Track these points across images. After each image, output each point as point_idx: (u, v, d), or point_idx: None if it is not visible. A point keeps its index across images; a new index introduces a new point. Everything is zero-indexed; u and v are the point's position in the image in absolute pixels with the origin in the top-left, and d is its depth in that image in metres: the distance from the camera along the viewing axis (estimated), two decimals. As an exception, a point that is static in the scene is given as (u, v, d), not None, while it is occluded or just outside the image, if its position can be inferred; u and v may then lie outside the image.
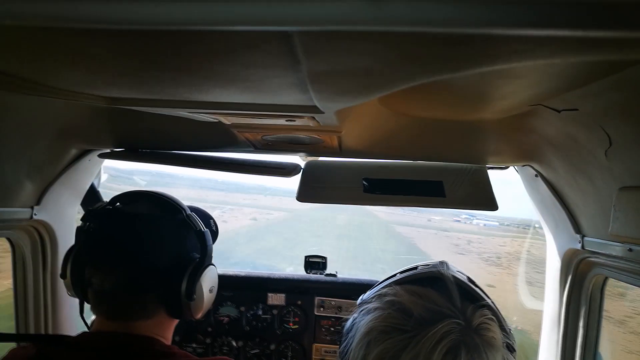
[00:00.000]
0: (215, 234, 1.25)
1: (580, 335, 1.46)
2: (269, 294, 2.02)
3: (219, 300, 2.02)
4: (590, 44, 0.44)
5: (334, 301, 1.99)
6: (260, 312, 2.01)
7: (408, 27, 0.37)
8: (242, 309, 2.01)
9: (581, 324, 1.46)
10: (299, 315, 2.01)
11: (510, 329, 0.73)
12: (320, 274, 2.12)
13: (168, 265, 1.02)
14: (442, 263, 0.79)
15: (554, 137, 1.18)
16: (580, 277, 1.45)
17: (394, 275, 0.81)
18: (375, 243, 24.85)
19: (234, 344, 2.00)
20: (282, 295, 2.02)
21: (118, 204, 1.08)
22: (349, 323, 0.78)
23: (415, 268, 0.80)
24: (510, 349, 0.70)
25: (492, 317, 0.69)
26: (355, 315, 0.77)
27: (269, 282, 2.05)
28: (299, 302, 2.01)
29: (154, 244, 1.02)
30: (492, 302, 0.74)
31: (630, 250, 1.08)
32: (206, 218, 1.25)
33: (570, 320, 1.49)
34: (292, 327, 2.01)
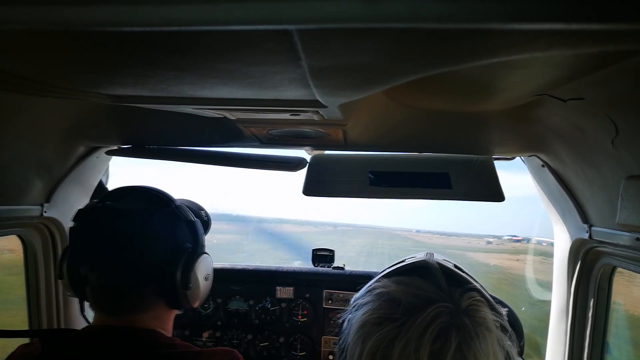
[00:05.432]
0: (207, 223, 1.26)
1: (588, 325, 1.46)
2: (278, 288, 2.03)
3: (227, 294, 2.04)
4: (588, 36, 0.43)
5: (342, 294, 2.00)
6: (269, 306, 2.02)
7: (405, 24, 0.37)
8: (251, 302, 2.03)
9: (589, 314, 1.46)
10: (308, 308, 2.02)
11: (502, 312, 0.73)
12: (328, 267, 2.13)
13: (162, 257, 1.03)
14: (427, 253, 0.80)
15: (560, 127, 1.17)
16: (588, 267, 1.45)
17: (383, 271, 0.82)
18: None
19: (244, 337, 2.02)
20: (291, 289, 2.03)
21: (108, 201, 1.09)
22: (344, 322, 0.79)
23: (403, 261, 0.81)
24: (504, 330, 0.70)
25: (481, 298, 0.70)
26: (348, 313, 0.78)
27: (278, 275, 2.06)
28: (308, 295, 2.02)
29: (146, 237, 1.03)
30: (481, 286, 0.75)
31: (637, 239, 1.07)
32: (197, 209, 1.25)
33: (579, 311, 1.49)
34: (301, 320, 2.02)
